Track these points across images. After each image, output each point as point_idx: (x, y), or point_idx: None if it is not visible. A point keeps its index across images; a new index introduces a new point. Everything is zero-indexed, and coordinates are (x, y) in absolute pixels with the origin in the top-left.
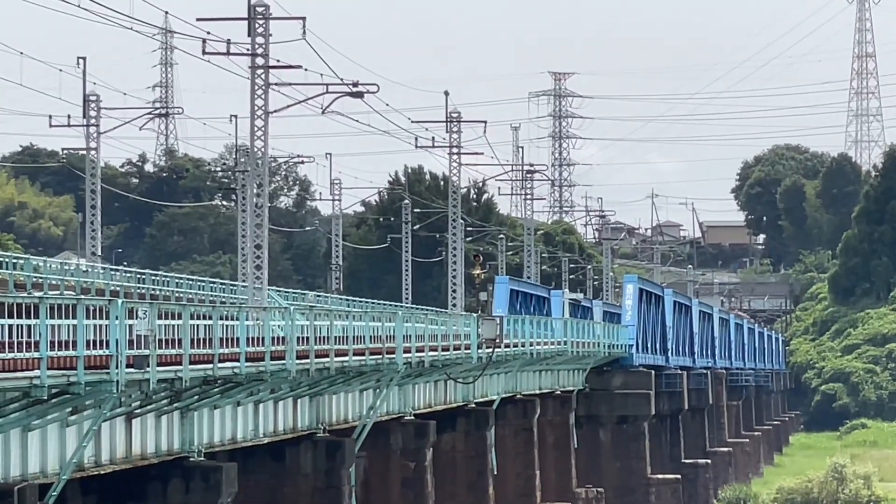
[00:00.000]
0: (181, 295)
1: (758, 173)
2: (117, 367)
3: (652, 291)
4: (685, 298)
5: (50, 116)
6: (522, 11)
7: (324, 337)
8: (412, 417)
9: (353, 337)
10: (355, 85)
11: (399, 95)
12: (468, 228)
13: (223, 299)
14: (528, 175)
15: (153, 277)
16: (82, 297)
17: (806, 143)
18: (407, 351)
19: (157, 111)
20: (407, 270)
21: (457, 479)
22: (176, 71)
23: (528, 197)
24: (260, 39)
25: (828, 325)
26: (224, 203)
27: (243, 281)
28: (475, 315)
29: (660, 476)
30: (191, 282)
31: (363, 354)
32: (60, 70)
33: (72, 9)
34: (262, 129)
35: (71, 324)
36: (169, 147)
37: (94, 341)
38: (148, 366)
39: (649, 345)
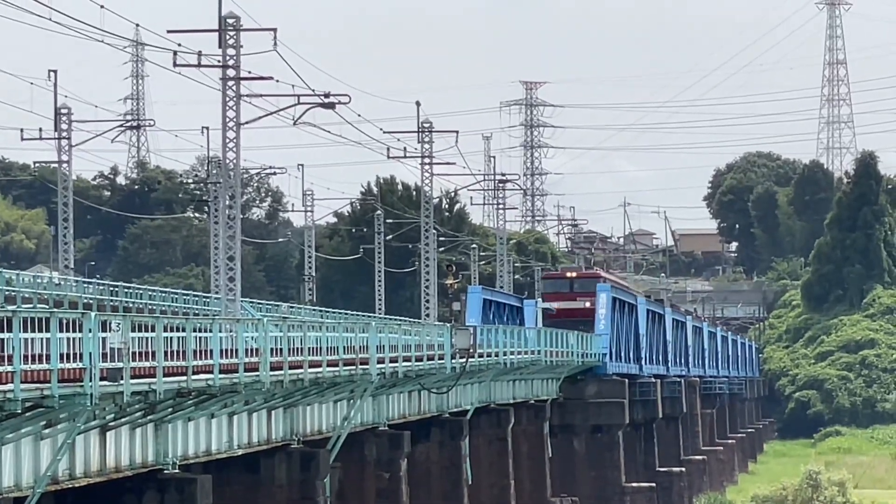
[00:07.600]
0: (154, 307)
1: (730, 181)
2: (91, 380)
3: (625, 300)
4: (658, 306)
5: (21, 129)
6: (493, 21)
7: (297, 348)
8: (386, 428)
9: (327, 348)
10: (327, 96)
11: (371, 106)
12: (440, 238)
13: (196, 311)
14: (500, 184)
15: (126, 290)
16: (55, 310)
17: (778, 151)
18: (381, 361)
19: (129, 123)
20: (380, 281)
21: (431, 489)
22: (147, 83)
23: (501, 206)
24: (231, 51)
25: (801, 333)
26: (196, 215)
27: (216, 293)
28: (448, 325)
29: (634, 484)
30: (164, 294)
31: (337, 365)
32: (31, 83)
33: (42, 21)
34: (234, 140)
35: (44, 337)
36: (141, 159)
37: (68, 354)
38: (122, 378)
39: (623, 353)
